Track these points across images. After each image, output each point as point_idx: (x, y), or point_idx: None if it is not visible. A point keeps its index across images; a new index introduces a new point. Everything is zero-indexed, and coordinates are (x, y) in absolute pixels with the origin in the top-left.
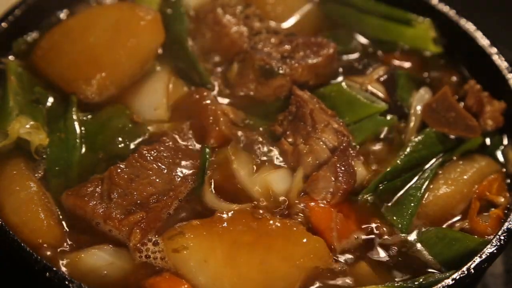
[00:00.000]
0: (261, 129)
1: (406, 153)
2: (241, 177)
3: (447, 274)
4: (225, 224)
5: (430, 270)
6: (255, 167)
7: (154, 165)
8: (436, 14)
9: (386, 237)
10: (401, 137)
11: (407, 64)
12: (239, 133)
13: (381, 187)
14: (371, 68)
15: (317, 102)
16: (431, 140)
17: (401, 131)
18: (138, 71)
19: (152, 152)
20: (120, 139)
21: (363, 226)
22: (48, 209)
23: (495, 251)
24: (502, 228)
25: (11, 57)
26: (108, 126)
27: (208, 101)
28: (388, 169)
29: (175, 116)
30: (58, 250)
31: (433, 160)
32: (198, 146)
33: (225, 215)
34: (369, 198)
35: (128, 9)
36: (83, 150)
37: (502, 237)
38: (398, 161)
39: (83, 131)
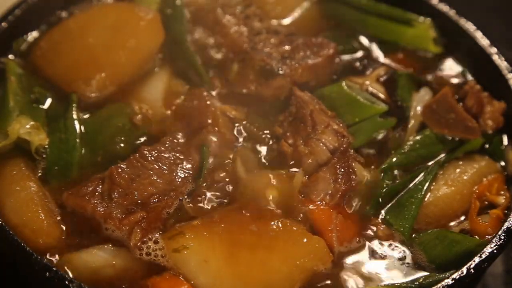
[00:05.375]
0: (261, 130)
1: (404, 151)
2: (241, 178)
3: (447, 274)
4: (225, 225)
5: (430, 271)
6: (255, 168)
7: (155, 165)
8: (436, 14)
9: (386, 238)
10: (401, 138)
11: (407, 64)
12: (239, 133)
13: (384, 190)
14: (371, 68)
15: (317, 103)
16: (430, 140)
17: (401, 132)
18: (137, 71)
19: (153, 152)
20: (120, 138)
21: (363, 227)
22: (48, 209)
23: (495, 251)
24: (502, 228)
25: (11, 57)
26: (108, 125)
27: (208, 102)
28: (385, 165)
29: (175, 116)
30: (58, 249)
31: (434, 161)
32: (198, 146)
33: (225, 215)
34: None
35: (127, 9)
36: (83, 149)
37: (502, 237)
38: (395, 158)
39: (83, 131)
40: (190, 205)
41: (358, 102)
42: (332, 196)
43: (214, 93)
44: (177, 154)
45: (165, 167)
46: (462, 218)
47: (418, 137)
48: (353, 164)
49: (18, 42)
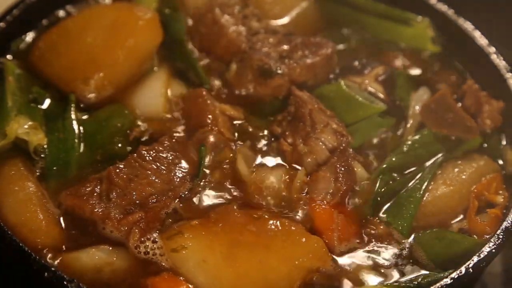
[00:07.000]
0: (260, 129)
1: (402, 151)
2: (242, 177)
3: (446, 273)
4: (224, 224)
5: (429, 270)
6: (254, 167)
7: (153, 165)
8: (434, 14)
9: (385, 237)
10: (399, 138)
11: (406, 64)
12: (238, 133)
13: (383, 190)
14: (370, 67)
15: (316, 103)
16: (428, 139)
17: (399, 131)
18: (136, 71)
19: (151, 153)
20: (118, 139)
21: (363, 227)
22: (46, 209)
23: (493, 250)
24: (501, 228)
25: (9, 57)
26: (106, 125)
27: (207, 101)
28: (384, 166)
29: (173, 116)
30: (57, 250)
31: (432, 160)
32: (196, 145)
33: (224, 215)
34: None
35: (126, 9)
36: (82, 149)
37: (501, 237)
38: (394, 159)
39: (81, 131)
40: (188, 205)
41: (357, 101)
42: (333, 195)
43: (213, 93)
44: (176, 154)
45: (163, 167)
46: (461, 217)
47: (416, 137)
48: (353, 163)
49: (16, 42)
